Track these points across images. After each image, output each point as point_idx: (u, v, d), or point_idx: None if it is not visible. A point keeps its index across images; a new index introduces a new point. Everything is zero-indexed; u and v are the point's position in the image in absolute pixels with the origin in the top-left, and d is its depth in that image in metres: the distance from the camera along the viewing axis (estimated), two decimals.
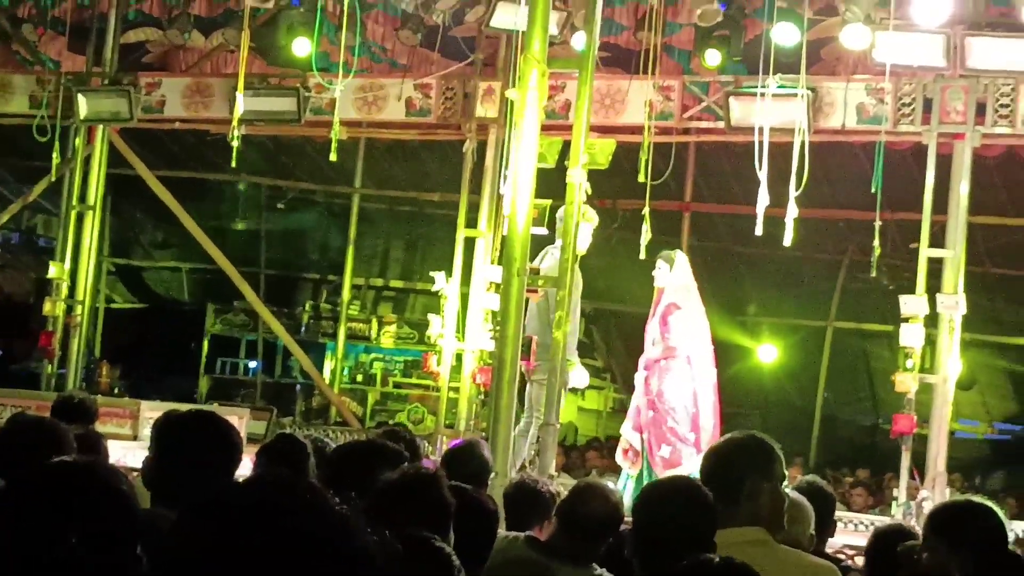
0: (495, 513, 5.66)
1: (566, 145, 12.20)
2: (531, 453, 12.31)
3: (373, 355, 22.78)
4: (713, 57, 14.89)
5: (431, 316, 15.94)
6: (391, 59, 16.91)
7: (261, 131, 17.51)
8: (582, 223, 12.03)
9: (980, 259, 18.72)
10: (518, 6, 11.67)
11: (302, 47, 15.77)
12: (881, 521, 12.13)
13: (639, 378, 12.97)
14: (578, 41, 13.57)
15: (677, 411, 12.66)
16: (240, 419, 14.52)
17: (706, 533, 4.44)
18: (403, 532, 4.16)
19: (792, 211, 13.34)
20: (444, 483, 4.98)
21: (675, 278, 12.94)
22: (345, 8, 14.38)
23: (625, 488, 12.21)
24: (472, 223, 15.91)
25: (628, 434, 12.94)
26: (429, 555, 4.28)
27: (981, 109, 14.09)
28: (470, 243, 15.86)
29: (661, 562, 4.48)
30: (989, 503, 5.08)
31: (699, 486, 4.64)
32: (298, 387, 23.18)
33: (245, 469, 5.50)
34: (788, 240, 13.39)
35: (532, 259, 12.21)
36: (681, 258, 13.17)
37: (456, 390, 15.97)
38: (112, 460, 7.56)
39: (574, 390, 14.69)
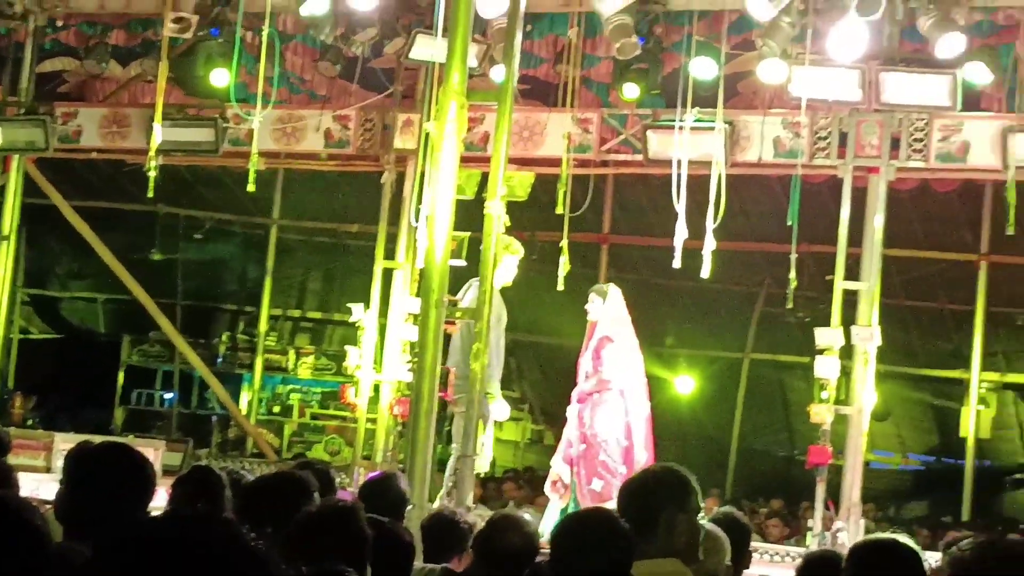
0: (411, 545, 5.66)
1: (485, 177, 12.22)
2: (448, 484, 12.28)
3: (290, 386, 22.62)
4: (631, 90, 14.88)
5: (349, 347, 15.89)
6: (310, 90, 16.85)
7: (179, 161, 17.40)
8: (506, 255, 12.06)
9: (895, 291, 18.88)
10: (437, 38, 11.68)
11: (220, 78, 15.66)
12: (797, 551, 12.22)
13: (571, 411, 12.98)
14: (497, 74, 13.61)
15: (609, 444, 12.68)
16: (156, 451, 14.40)
17: (623, 565, 4.46)
18: (320, 565, 4.15)
19: (710, 243, 13.44)
20: (362, 515, 4.97)
21: (608, 311, 12.96)
22: (264, 39, 14.35)
23: (546, 519, 12.21)
24: (391, 254, 15.87)
25: (558, 466, 12.95)
26: None
27: (895, 143, 14.22)
28: (388, 274, 15.83)
29: None
30: (909, 541, 5.12)
31: (617, 518, 4.65)
32: (214, 418, 22.95)
33: (160, 501, 5.46)
34: (706, 272, 13.49)
35: (455, 291, 12.23)
36: (614, 291, 13.18)
37: (374, 421, 15.92)
38: (25, 493, 7.47)
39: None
